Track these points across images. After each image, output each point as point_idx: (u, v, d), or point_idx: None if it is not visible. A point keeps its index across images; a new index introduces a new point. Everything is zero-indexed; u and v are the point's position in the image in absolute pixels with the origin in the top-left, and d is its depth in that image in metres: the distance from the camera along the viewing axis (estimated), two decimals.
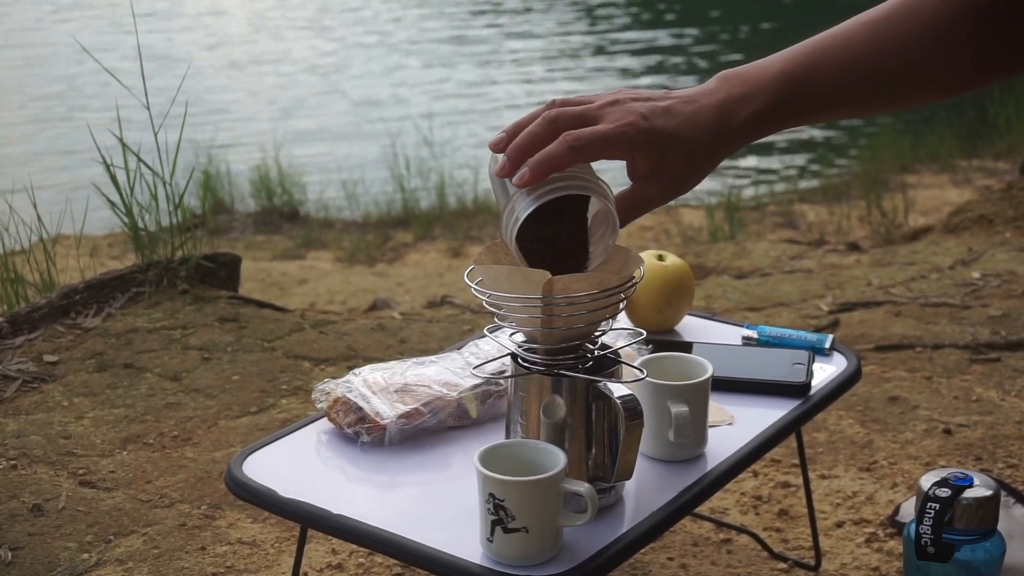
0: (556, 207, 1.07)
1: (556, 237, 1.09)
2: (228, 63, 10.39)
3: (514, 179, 1.03)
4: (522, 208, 1.04)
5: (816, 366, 1.50)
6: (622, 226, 1.07)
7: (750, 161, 6.91)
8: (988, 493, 1.11)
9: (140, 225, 2.83)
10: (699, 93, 1.06)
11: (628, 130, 1.02)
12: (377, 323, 2.73)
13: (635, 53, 10.65)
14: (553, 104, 1.06)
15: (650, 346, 1.44)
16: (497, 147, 1.06)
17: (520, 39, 11.41)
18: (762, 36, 10.82)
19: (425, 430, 1.33)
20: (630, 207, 1.07)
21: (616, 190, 1.07)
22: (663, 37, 11.36)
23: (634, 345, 1.35)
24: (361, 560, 1.76)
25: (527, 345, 1.15)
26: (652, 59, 10.44)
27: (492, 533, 1.07)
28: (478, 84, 9.60)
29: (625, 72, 9.94)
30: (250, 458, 1.30)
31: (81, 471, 2.03)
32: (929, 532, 1.09)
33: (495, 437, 1.27)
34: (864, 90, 1.06)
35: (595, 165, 1.08)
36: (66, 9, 12.41)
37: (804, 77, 1.05)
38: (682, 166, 1.05)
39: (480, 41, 11.34)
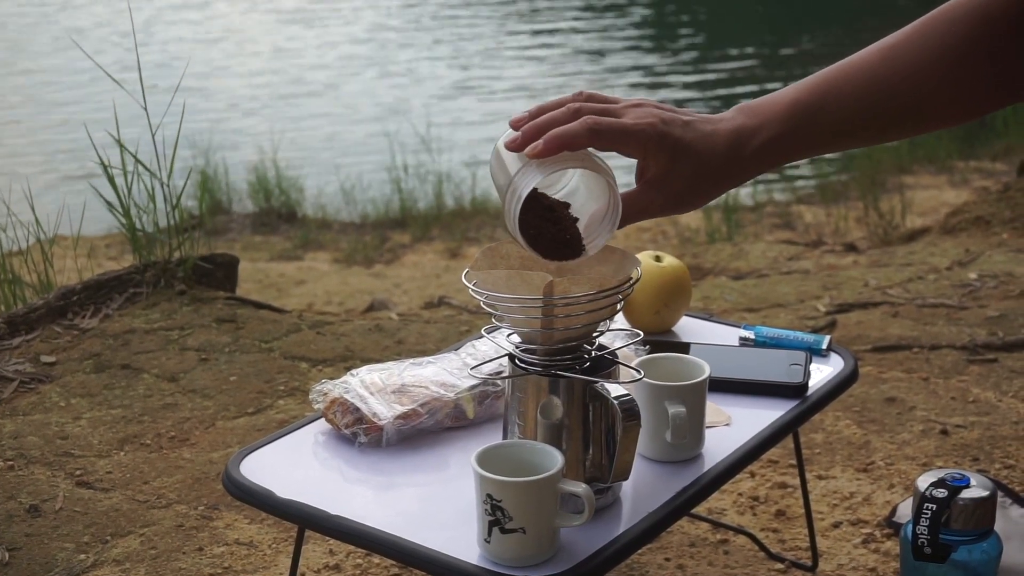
0: (545, 206, 1.09)
1: (560, 220, 1.10)
2: (226, 64, 10.38)
3: (527, 150, 1.04)
4: (530, 177, 1.04)
5: (813, 367, 1.50)
6: (620, 227, 1.08)
7: None
8: (985, 494, 1.11)
9: (138, 226, 2.83)
10: (718, 118, 1.07)
11: (647, 128, 1.04)
12: (374, 324, 2.73)
13: (643, 52, 10.65)
14: (580, 95, 1.08)
15: (647, 347, 1.45)
16: (517, 124, 1.07)
17: (525, 39, 11.41)
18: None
19: (422, 431, 1.34)
20: (631, 209, 1.07)
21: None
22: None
23: (631, 346, 1.35)
24: (358, 561, 1.76)
25: (524, 346, 1.16)
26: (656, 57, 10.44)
27: (489, 534, 1.07)
28: (477, 85, 9.59)
29: (630, 72, 9.93)
30: (247, 459, 1.30)
31: (78, 472, 2.03)
32: (926, 533, 1.09)
33: (492, 438, 1.27)
34: (879, 117, 1.05)
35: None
36: (70, 9, 12.41)
37: (817, 106, 1.05)
38: (689, 181, 1.06)
39: (481, 41, 11.33)
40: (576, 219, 1.11)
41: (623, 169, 1.12)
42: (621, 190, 1.07)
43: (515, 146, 1.06)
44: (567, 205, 1.12)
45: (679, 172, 1.05)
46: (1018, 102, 1.07)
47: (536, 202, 1.09)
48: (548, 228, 1.09)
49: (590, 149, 1.06)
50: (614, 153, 1.07)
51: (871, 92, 1.04)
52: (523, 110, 1.09)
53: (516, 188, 1.05)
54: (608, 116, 1.05)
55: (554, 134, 1.03)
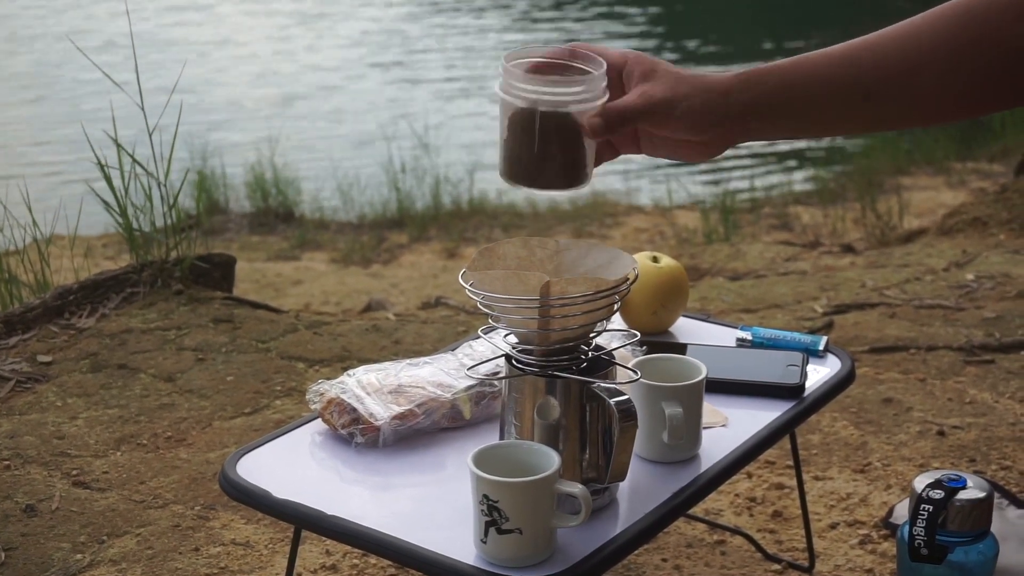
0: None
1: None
2: (224, 64, 10.38)
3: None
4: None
5: (810, 368, 1.50)
6: (623, 125, 1.09)
7: (745, 162, 6.92)
8: (981, 495, 1.11)
9: (135, 226, 2.83)
10: None
11: (624, 50, 1.10)
12: (372, 324, 2.73)
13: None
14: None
15: (644, 347, 1.45)
16: None
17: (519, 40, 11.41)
18: None
19: (419, 431, 1.34)
20: (629, 107, 1.09)
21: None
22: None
23: (628, 346, 1.35)
24: (355, 561, 1.76)
25: (521, 346, 1.15)
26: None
27: (486, 534, 1.07)
28: (477, 87, 9.59)
29: None
30: (244, 459, 1.30)
31: (75, 471, 2.03)
32: (923, 534, 1.09)
33: (489, 438, 1.27)
34: (857, 86, 1.06)
35: None
36: (70, 10, 12.40)
37: (801, 57, 1.08)
38: (673, 80, 1.08)
39: (482, 44, 11.33)
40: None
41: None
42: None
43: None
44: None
45: (660, 75, 1.08)
46: (990, 113, 1.08)
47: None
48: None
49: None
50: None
51: (856, 60, 1.06)
52: None
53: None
54: None
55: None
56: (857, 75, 1.06)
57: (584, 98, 1.08)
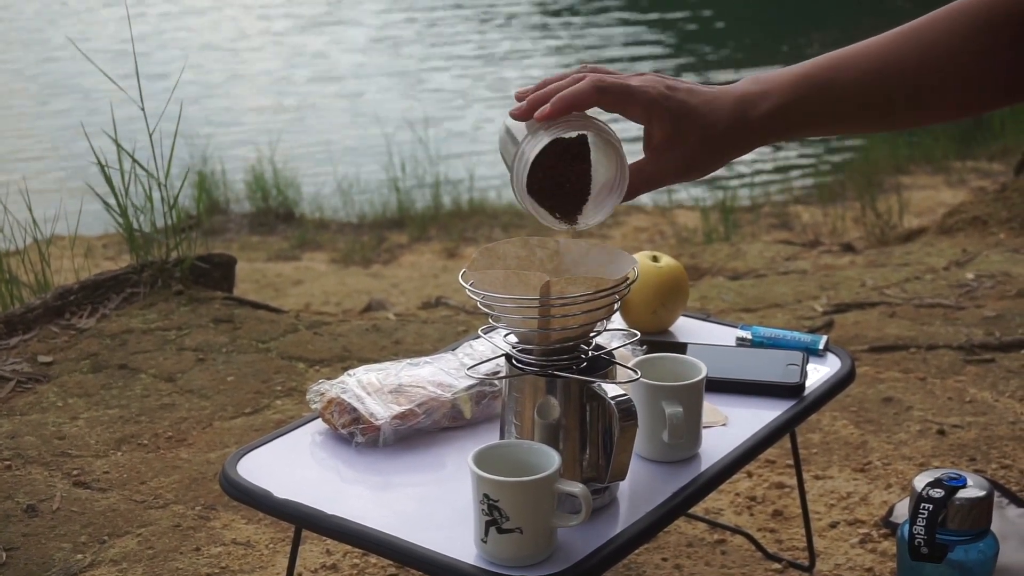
0: (561, 152, 1.09)
1: (565, 176, 1.11)
2: (225, 64, 10.38)
3: (536, 113, 1.05)
4: (538, 140, 1.05)
5: (810, 367, 1.50)
6: (631, 197, 1.08)
7: (745, 161, 6.92)
8: (981, 494, 1.11)
9: (135, 226, 2.83)
10: (723, 87, 1.08)
11: (651, 91, 1.05)
12: (372, 324, 2.73)
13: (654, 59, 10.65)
14: (584, 67, 1.09)
15: (644, 347, 1.45)
16: (523, 95, 1.08)
17: (520, 42, 11.40)
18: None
19: (419, 431, 1.34)
20: (639, 178, 1.07)
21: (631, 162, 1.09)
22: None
23: (628, 346, 1.35)
24: (355, 561, 1.76)
25: (521, 346, 1.16)
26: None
27: (486, 534, 1.07)
28: (478, 90, 9.58)
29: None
30: (244, 459, 1.30)
31: (75, 472, 2.03)
32: (923, 533, 1.09)
33: (489, 438, 1.27)
34: (884, 97, 1.05)
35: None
36: (70, 12, 12.40)
37: (826, 79, 1.05)
38: (697, 145, 1.06)
39: (478, 43, 11.33)
40: (579, 176, 1.12)
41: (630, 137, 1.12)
42: (629, 160, 1.08)
43: (521, 113, 1.06)
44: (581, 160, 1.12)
45: (684, 137, 1.06)
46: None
47: (540, 163, 1.09)
48: (552, 185, 1.10)
49: (597, 115, 1.07)
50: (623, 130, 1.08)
51: (881, 71, 1.04)
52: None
53: (524, 153, 1.05)
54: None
55: (561, 95, 1.04)
56: (878, 76, 1.05)
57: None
